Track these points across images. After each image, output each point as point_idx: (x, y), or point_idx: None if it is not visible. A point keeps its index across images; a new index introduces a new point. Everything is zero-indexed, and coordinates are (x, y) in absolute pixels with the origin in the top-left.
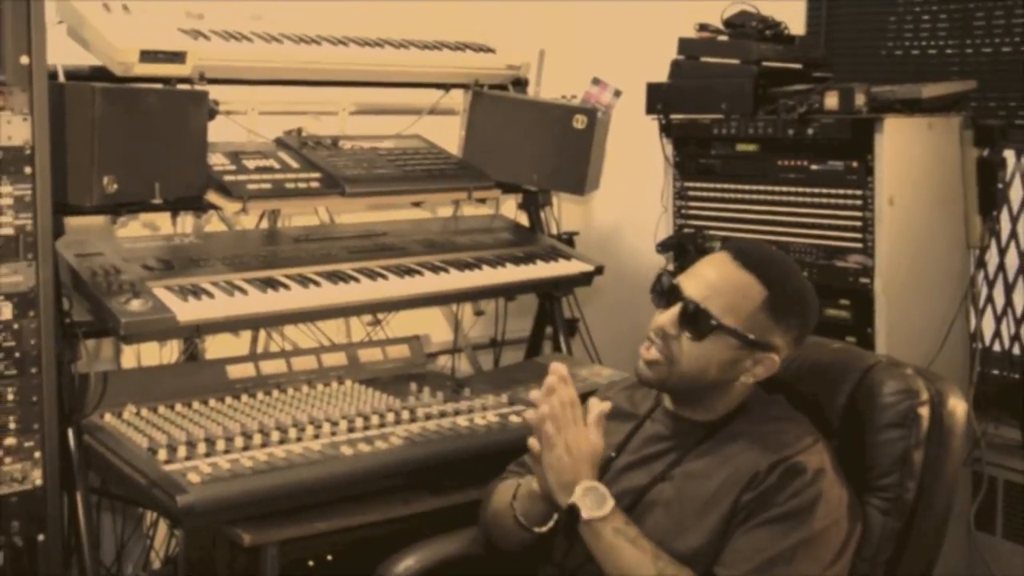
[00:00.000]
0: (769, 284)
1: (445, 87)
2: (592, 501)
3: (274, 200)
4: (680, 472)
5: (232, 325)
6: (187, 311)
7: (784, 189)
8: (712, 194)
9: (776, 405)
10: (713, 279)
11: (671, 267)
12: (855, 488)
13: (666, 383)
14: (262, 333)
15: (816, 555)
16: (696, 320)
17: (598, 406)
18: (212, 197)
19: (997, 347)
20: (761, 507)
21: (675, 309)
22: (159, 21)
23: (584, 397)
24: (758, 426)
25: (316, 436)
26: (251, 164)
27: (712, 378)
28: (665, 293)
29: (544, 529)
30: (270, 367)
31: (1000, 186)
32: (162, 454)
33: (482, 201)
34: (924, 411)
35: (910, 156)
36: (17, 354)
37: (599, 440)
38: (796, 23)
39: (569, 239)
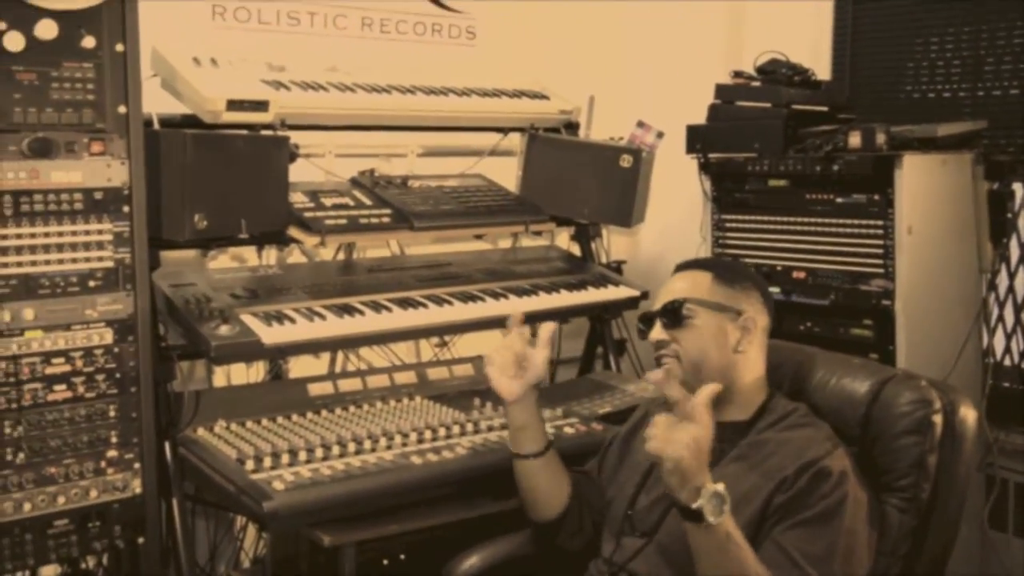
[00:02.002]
0: (707, 267)
1: (504, 131)
2: (715, 506)
3: (350, 234)
4: (715, 475)
5: (312, 347)
6: (271, 335)
7: (812, 220)
8: (747, 225)
9: (799, 412)
10: (669, 287)
11: None
12: (874, 489)
13: (685, 380)
14: (340, 354)
15: (845, 551)
16: (672, 313)
17: (710, 388)
18: (293, 232)
19: (1008, 362)
20: (794, 509)
21: (657, 323)
22: (244, 73)
23: (629, 411)
24: (783, 432)
25: (388, 447)
26: (328, 202)
27: (714, 356)
28: (645, 320)
29: (535, 451)
30: (347, 385)
31: (1009, 216)
32: (249, 464)
33: (538, 233)
34: (938, 419)
35: (927, 189)
36: (118, 375)
37: (711, 421)
38: (822, 69)
39: (617, 267)
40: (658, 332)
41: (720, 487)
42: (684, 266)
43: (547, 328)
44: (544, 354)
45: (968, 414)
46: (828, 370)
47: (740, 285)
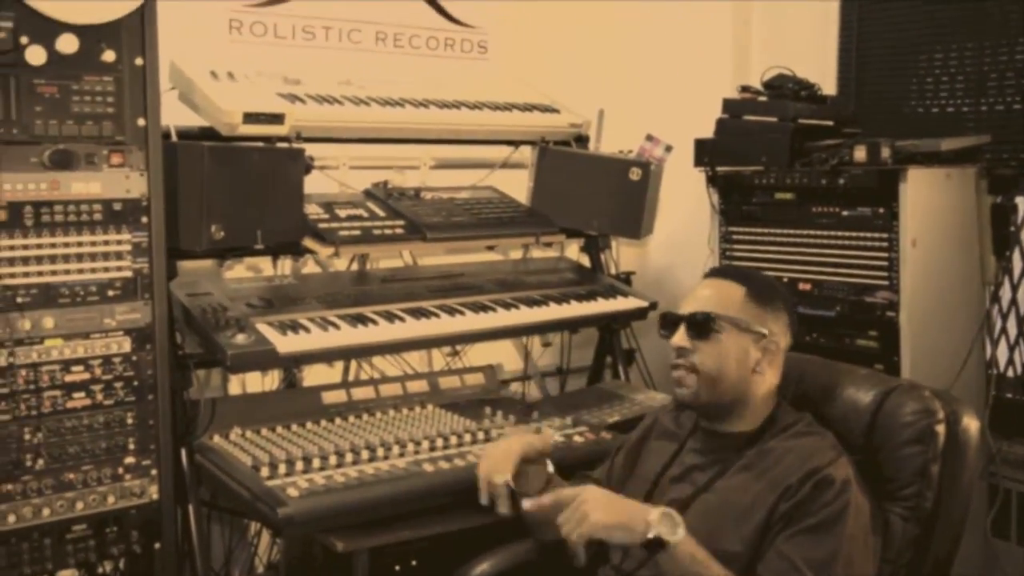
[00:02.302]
0: (743, 282)
1: (515, 143)
2: (668, 526)
3: (363, 245)
4: (721, 485)
5: (326, 356)
6: (286, 344)
7: (818, 233)
8: (754, 237)
9: (804, 422)
10: (700, 294)
11: None
12: (878, 498)
13: (699, 394)
14: (353, 363)
15: (847, 558)
16: (699, 324)
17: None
18: (308, 243)
19: (1010, 373)
20: (797, 517)
21: (681, 328)
22: (260, 86)
23: (637, 420)
24: (788, 441)
25: (401, 454)
26: (343, 213)
27: (732, 374)
28: (669, 323)
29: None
30: (360, 393)
31: (1012, 229)
32: (264, 471)
33: (548, 245)
34: (940, 429)
35: (931, 203)
36: (136, 382)
37: (591, 487)
38: (828, 84)
39: (626, 278)
40: (681, 338)
41: (663, 508)
42: (718, 273)
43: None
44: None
45: (971, 424)
46: (833, 380)
47: (771, 305)
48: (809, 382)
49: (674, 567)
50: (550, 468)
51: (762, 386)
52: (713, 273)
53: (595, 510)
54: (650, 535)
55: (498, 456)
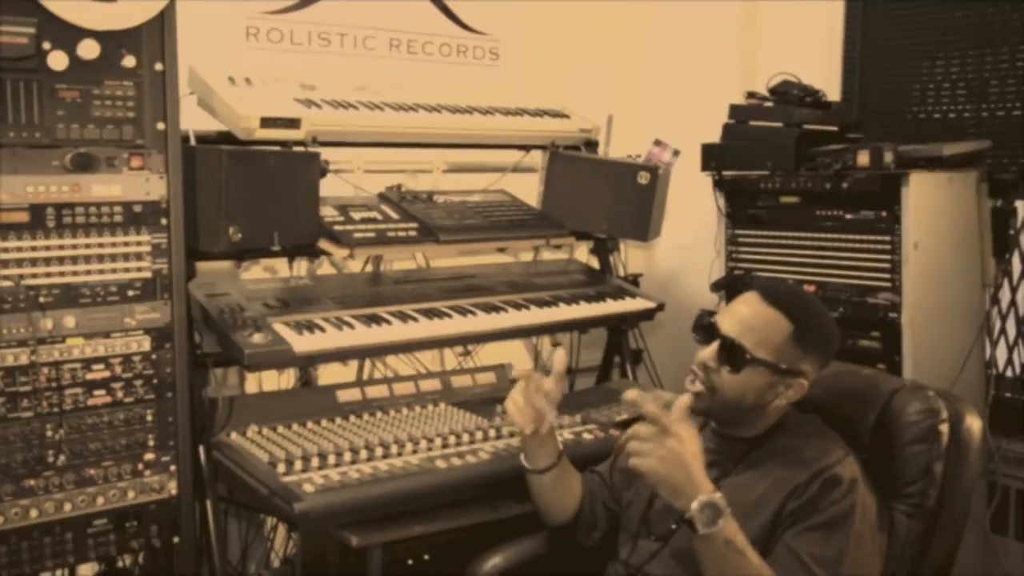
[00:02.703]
0: (795, 318)
1: (526, 148)
2: (707, 517)
3: (377, 247)
4: (728, 483)
5: (341, 355)
6: (302, 343)
7: (822, 236)
8: (759, 240)
9: (811, 423)
10: (746, 316)
11: (721, 306)
12: (884, 495)
13: (710, 411)
14: (367, 362)
15: (854, 555)
16: (733, 354)
17: (681, 402)
18: (323, 244)
19: (1009, 373)
20: (805, 515)
21: (714, 345)
22: (277, 92)
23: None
24: (795, 441)
25: (414, 451)
26: (357, 216)
27: (749, 403)
28: (704, 330)
29: (545, 467)
30: (374, 392)
31: (1012, 232)
32: (281, 467)
33: (558, 247)
34: (944, 428)
35: (932, 206)
36: (155, 381)
37: (692, 433)
38: (832, 90)
39: (634, 280)
40: (711, 355)
41: (715, 496)
42: (772, 297)
43: (560, 360)
44: (558, 387)
45: (973, 423)
46: (838, 380)
47: (814, 349)
48: (814, 383)
49: (704, 549)
50: (560, 442)
51: (776, 408)
52: (767, 294)
53: (661, 459)
54: (686, 515)
55: (519, 409)
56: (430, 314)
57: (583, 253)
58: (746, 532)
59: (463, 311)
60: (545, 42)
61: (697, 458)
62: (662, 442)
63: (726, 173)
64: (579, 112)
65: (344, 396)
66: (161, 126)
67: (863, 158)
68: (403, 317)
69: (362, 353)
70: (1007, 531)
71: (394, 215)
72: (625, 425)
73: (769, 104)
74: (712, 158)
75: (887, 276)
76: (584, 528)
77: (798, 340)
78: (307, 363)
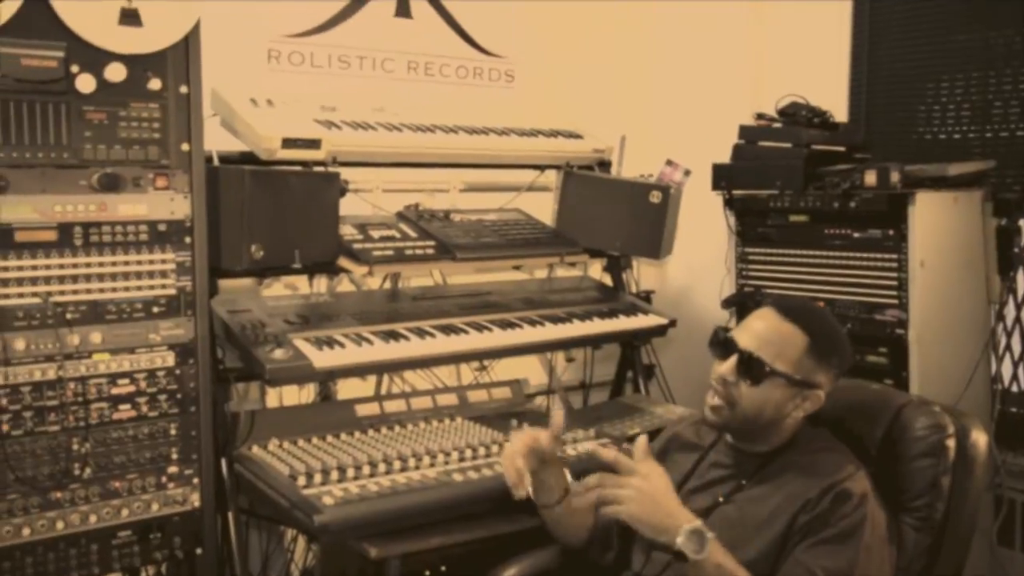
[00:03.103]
0: (810, 332)
1: (540, 168)
2: (695, 544)
3: (396, 264)
4: (741, 497)
5: (360, 371)
6: (322, 359)
7: (830, 254)
8: (769, 258)
9: (821, 438)
10: (762, 331)
11: (732, 322)
12: (891, 508)
13: (729, 424)
14: (385, 377)
15: (865, 568)
16: (751, 368)
17: (640, 442)
18: (343, 262)
19: (1015, 388)
20: (816, 528)
21: (732, 359)
22: (298, 113)
23: (657, 432)
24: (806, 456)
25: (432, 465)
26: (376, 234)
27: (768, 417)
28: (722, 346)
29: (551, 503)
30: (392, 406)
31: (1016, 250)
32: (301, 480)
33: (572, 264)
34: (951, 443)
35: (938, 225)
36: (179, 395)
37: (656, 469)
38: (839, 112)
39: (647, 297)
40: (729, 370)
41: (696, 524)
42: (787, 311)
43: (557, 424)
44: (553, 446)
45: (979, 438)
46: (847, 395)
47: (828, 361)
48: (829, 395)
49: (699, 574)
50: (568, 477)
51: (792, 421)
52: (782, 309)
53: (633, 501)
54: (674, 548)
55: (506, 465)
56: (447, 330)
57: (596, 270)
58: (758, 545)
59: (479, 327)
60: (559, 64)
61: (669, 491)
62: (630, 484)
63: (736, 192)
64: (592, 133)
65: (363, 410)
66: (185, 147)
67: (870, 178)
68: (421, 333)
69: (380, 368)
70: (1013, 544)
71: (412, 233)
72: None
73: (778, 125)
74: (722, 178)
75: (894, 293)
76: (598, 549)
77: (813, 352)
78: (327, 378)
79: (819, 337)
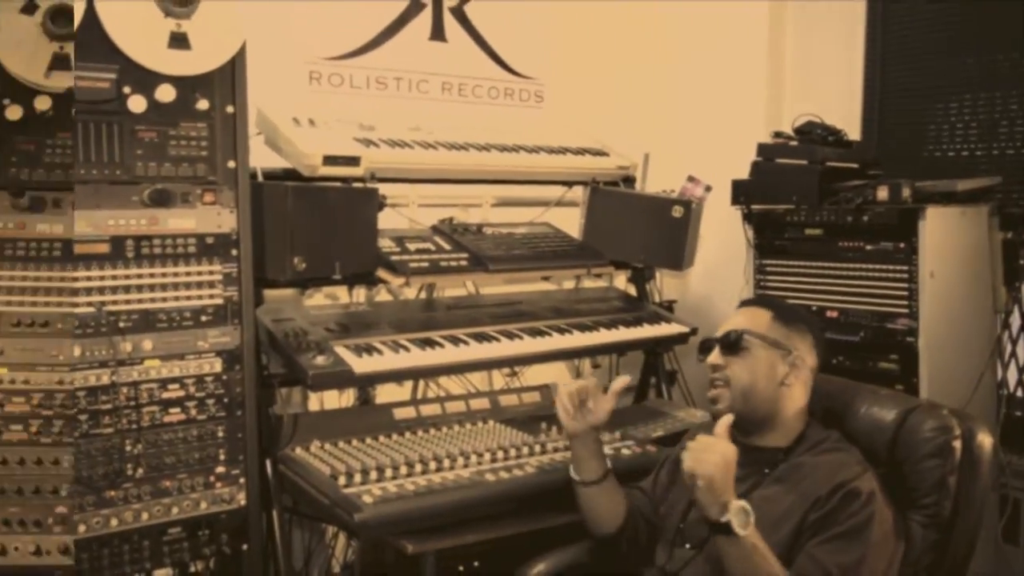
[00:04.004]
0: (771, 307)
1: (568, 184)
2: (741, 520)
3: (431, 275)
4: (756, 496)
5: (397, 376)
6: (361, 365)
7: (844, 265)
8: (785, 269)
9: (832, 438)
10: (731, 319)
11: None
12: (900, 507)
13: (733, 405)
14: (421, 382)
15: (872, 564)
16: (731, 343)
17: (726, 418)
18: (381, 273)
19: (1020, 393)
20: (826, 525)
21: (716, 349)
22: (338, 132)
23: (679, 435)
24: (817, 456)
25: (465, 465)
26: (412, 247)
27: (763, 386)
28: (705, 346)
29: (592, 479)
30: (428, 410)
31: (1021, 262)
32: (342, 480)
33: (598, 275)
34: (957, 444)
35: (947, 238)
36: (226, 399)
37: (732, 448)
38: (853, 130)
39: (669, 306)
40: (715, 357)
41: (744, 503)
42: (747, 302)
43: (621, 381)
44: (610, 404)
45: (985, 440)
46: (859, 400)
47: (795, 327)
48: (836, 401)
49: (734, 552)
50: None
51: (791, 401)
52: (743, 303)
53: (715, 465)
54: (723, 519)
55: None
56: (480, 338)
57: (621, 281)
58: (772, 542)
59: (510, 335)
60: (586, 85)
61: (733, 471)
62: (716, 450)
63: (754, 207)
64: (618, 150)
65: (400, 414)
66: (232, 164)
67: (882, 193)
68: (455, 341)
69: (417, 374)
70: (1018, 540)
71: (446, 246)
72: (661, 441)
73: (794, 143)
74: (741, 193)
75: (905, 303)
76: (627, 542)
77: (779, 320)
78: (366, 383)
79: (780, 309)
